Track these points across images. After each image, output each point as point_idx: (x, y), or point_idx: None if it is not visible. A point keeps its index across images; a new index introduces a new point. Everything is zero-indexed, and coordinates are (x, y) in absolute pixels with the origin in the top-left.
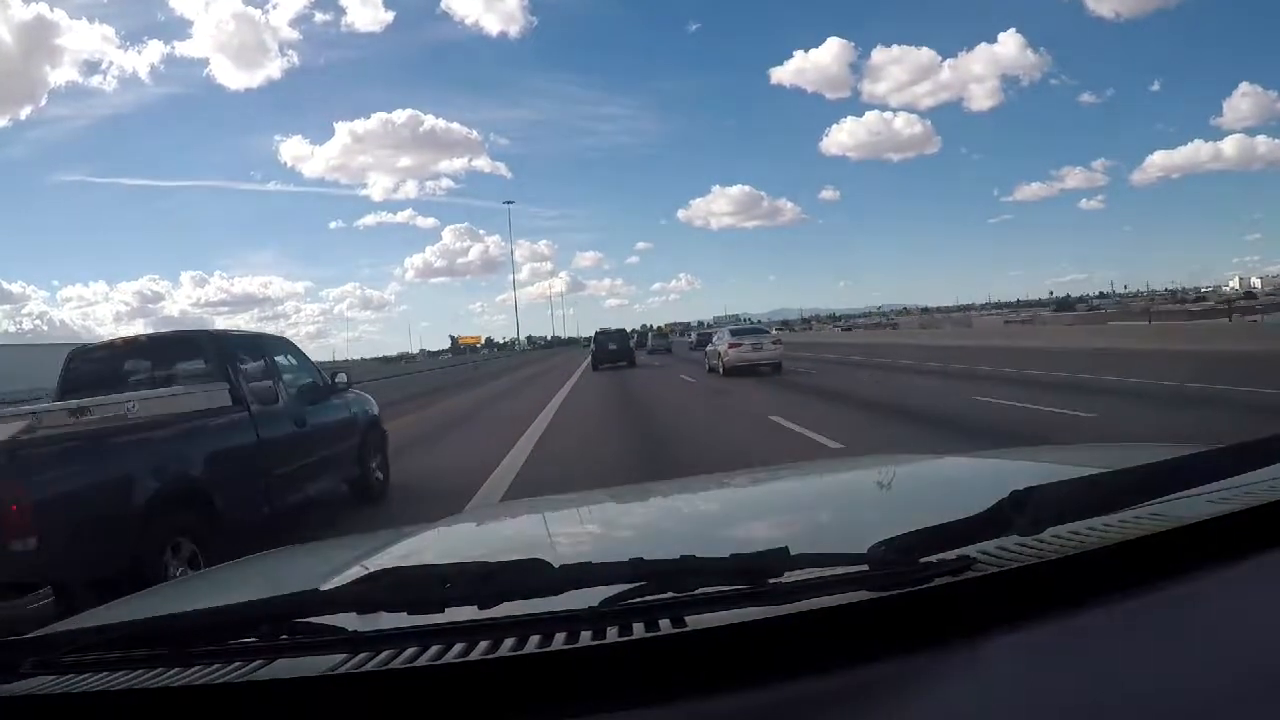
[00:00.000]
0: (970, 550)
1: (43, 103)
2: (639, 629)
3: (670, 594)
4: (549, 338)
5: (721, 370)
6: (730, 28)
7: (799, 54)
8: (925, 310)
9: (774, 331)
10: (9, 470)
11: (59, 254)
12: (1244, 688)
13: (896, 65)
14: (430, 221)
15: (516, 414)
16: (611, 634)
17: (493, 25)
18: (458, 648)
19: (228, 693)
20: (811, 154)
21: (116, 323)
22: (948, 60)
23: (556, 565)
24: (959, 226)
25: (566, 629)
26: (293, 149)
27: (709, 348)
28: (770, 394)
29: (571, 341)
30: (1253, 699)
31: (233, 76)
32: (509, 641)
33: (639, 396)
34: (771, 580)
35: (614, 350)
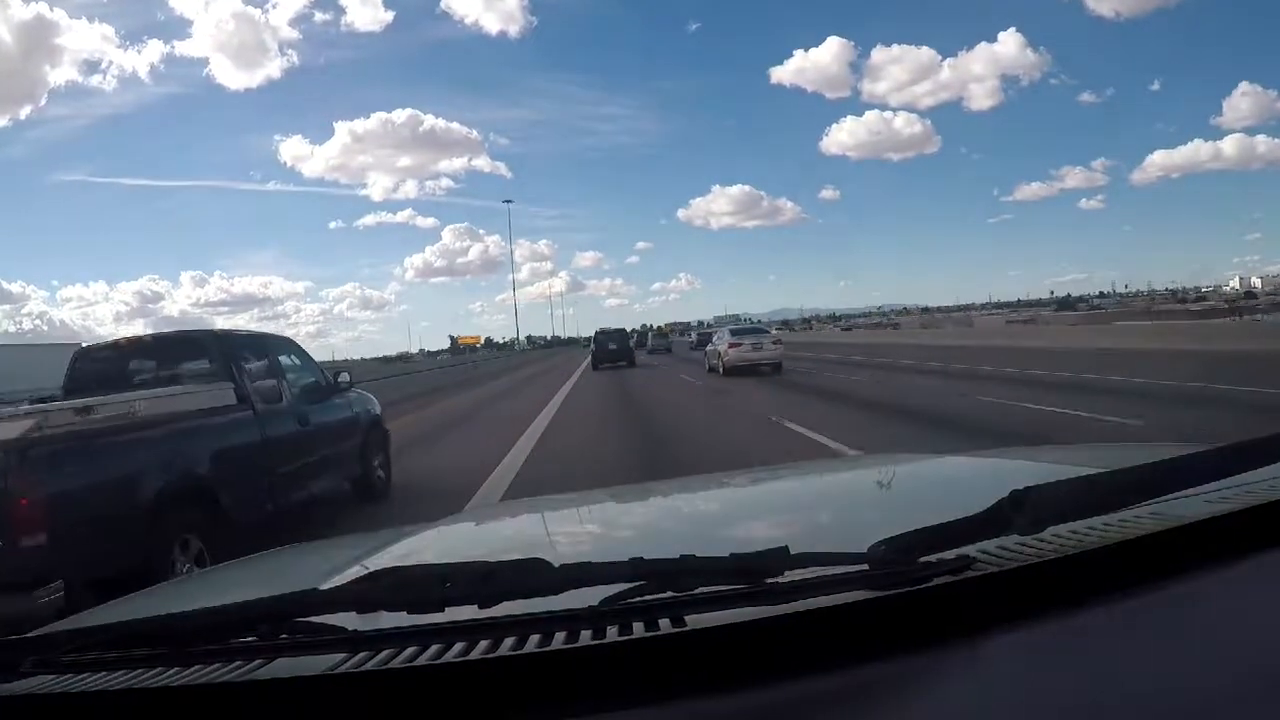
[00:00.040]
0: (970, 550)
1: (43, 102)
2: (639, 628)
3: (670, 593)
4: (549, 338)
5: (721, 370)
6: (730, 28)
7: (799, 53)
8: (925, 310)
9: (774, 331)
10: (21, 467)
11: (59, 254)
12: (1244, 687)
13: (896, 65)
14: (430, 221)
15: (516, 414)
16: (611, 633)
17: (492, 25)
18: (458, 647)
19: (227, 692)
20: (811, 154)
21: (116, 323)
22: (948, 60)
23: (556, 565)
24: (959, 226)
25: (566, 628)
26: (293, 149)
27: (709, 348)
28: (771, 394)
29: (571, 341)
30: (1253, 699)
31: (233, 76)
32: (509, 641)
33: (639, 397)
34: (771, 580)
35: (614, 350)
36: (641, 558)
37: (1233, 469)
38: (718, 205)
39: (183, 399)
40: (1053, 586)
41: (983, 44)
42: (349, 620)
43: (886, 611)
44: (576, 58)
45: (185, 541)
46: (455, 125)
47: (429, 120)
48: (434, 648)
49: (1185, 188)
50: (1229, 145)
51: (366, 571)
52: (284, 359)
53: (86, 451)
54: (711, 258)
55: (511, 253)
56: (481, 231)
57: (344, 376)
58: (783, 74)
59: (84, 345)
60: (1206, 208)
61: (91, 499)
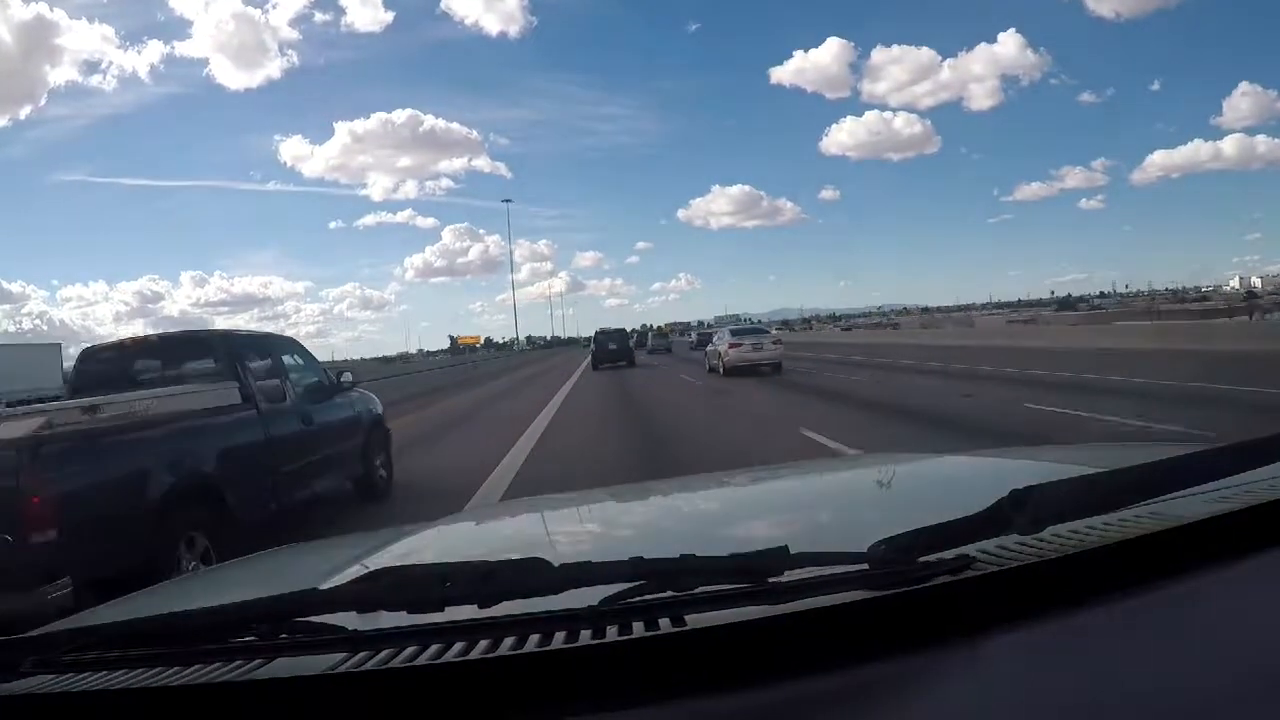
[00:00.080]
0: (970, 549)
1: (43, 102)
2: (639, 628)
3: (670, 593)
4: (549, 338)
5: (722, 370)
6: (730, 28)
7: (799, 54)
8: (925, 310)
9: (774, 331)
10: (31, 465)
11: (59, 254)
12: (1244, 687)
13: (896, 65)
14: (430, 221)
15: (515, 415)
16: (611, 633)
17: (492, 25)
18: (458, 647)
19: (227, 692)
20: (811, 154)
21: (116, 323)
22: (947, 60)
23: (556, 564)
24: (959, 226)
25: (566, 628)
26: (293, 149)
27: (709, 348)
28: (771, 394)
29: (571, 341)
30: (1253, 699)
31: (233, 76)
32: (509, 640)
33: (638, 397)
34: (771, 579)
35: (614, 350)
36: (641, 557)
37: (1232, 469)
38: (717, 205)
39: (188, 398)
40: (1053, 586)
41: (983, 44)
42: (349, 620)
43: (886, 611)
44: (576, 58)
45: (191, 539)
46: (455, 125)
47: (429, 120)
48: (434, 647)
49: (1185, 188)
50: (1229, 145)
51: (366, 571)
52: (287, 359)
53: (95, 450)
54: (711, 258)
55: (511, 253)
56: (481, 231)
57: (346, 376)
58: (783, 74)
59: (89, 345)
60: (1206, 208)
61: (100, 497)
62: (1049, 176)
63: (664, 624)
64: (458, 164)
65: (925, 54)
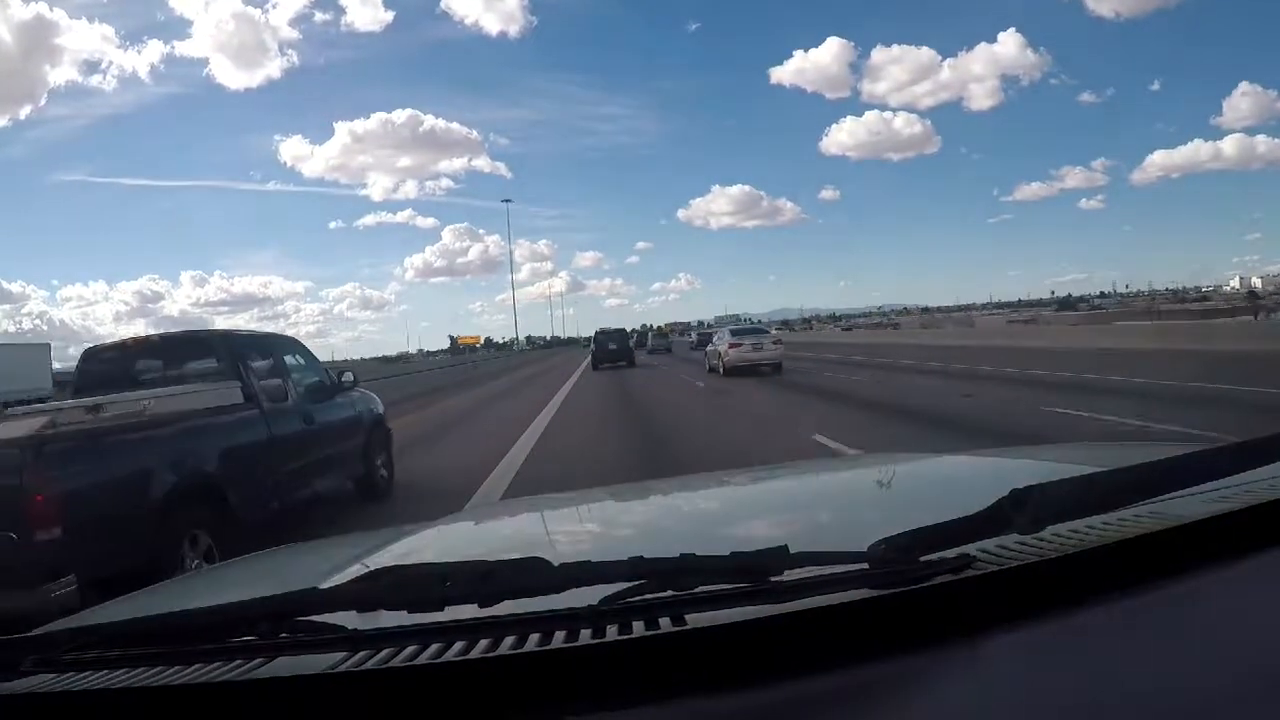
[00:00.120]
0: (970, 549)
1: (43, 102)
2: (639, 627)
3: (670, 592)
4: (548, 338)
5: (722, 370)
6: (730, 28)
7: (799, 54)
8: (926, 310)
9: (774, 331)
10: (36, 464)
11: (59, 254)
12: (1244, 687)
13: (896, 65)
14: (430, 221)
15: (516, 416)
16: (611, 632)
17: (492, 25)
18: (458, 646)
19: (228, 691)
20: (811, 154)
21: (116, 323)
22: (947, 60)
23: (556, 564)
24: (959, 226)
25: (566, 627)
26: (293, 149)
27: (709, 348)
28: (772, 394)
29: (571, 341)
30: (1253, 699)
31: (233, 76)
32: (509, 640)
33: (638, 397)
34: (771, 579)
35: (614, 350)
36: (641, 556)
37: (1232, 468)
38: (717, 205)
39: (191, 398)
40: (1053, 586)
41: (982, 44)
42: (349, 619)
43: (886, 611)
44: (576, 58)
45: (195, 538)
46: (455, 125)
47: (429, 120)
48: (434, 647)
49: (1185, 188)
50: (1229, 145)
51: (366, 570)
52: (289, 359)
53: (99, 449)
54: (711, 258)
55: (510, 252)
56: (481, 231)
57: (348, 376)
58: (783, 74)
59: (91, 345)
60: (1206, 208)
61: (104, 495)
62: (1049, 176)
63: (664, 623)
64: (458, 164)
65: (925, 54)
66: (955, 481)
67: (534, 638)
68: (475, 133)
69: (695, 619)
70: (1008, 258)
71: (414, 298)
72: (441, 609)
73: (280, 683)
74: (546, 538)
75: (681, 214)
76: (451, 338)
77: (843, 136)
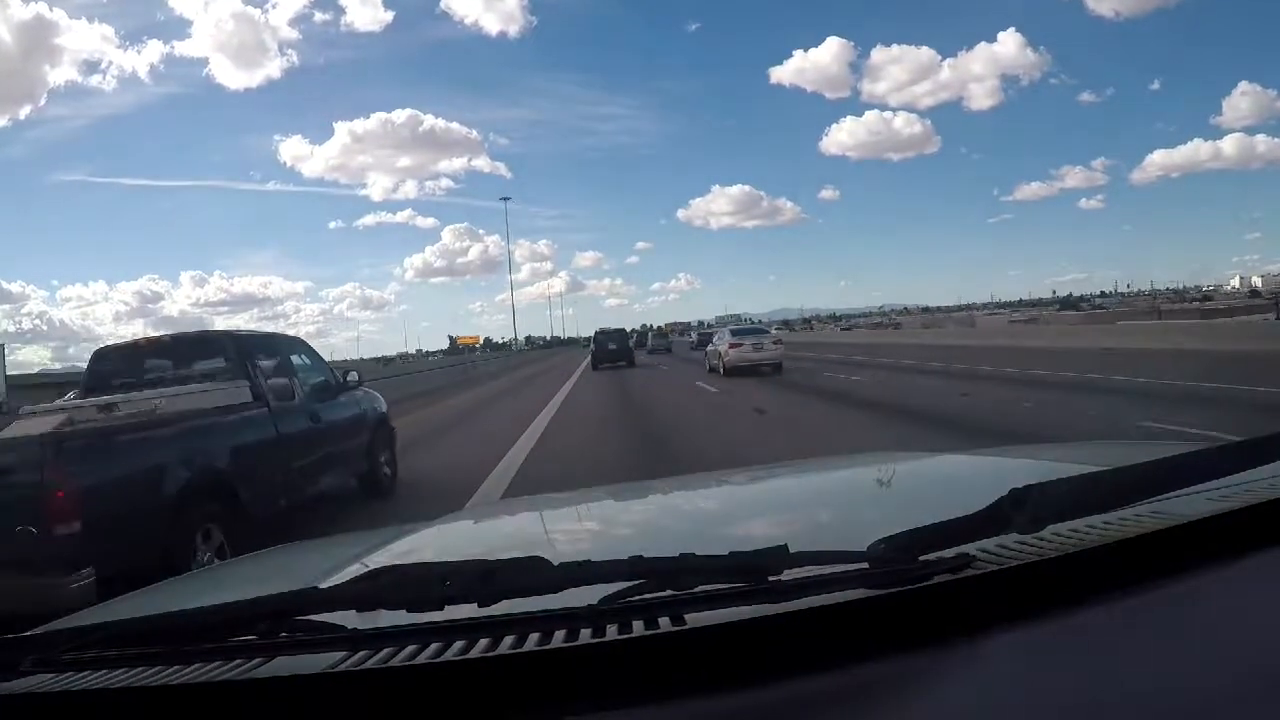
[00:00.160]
0: (970, 548)
1: (42, 102)
2: (638, 627)
3: (670, 592)
4: (548, 338)
5: (722, 370)
6: (730, 28)
7: (799, 53)
8: (926, 310)
9: (774, 331)
10: (56, 459)
11: (59, 254)
12: (1244, 687)
13: (896, 65)
14: (430, 221)
15: (517, 415)
16: (611, 632)
17: (492, 25)
18: (457, 645)
19: (228, 690)
20: (811, 154)
21: (116, 323)
22: (947, 60)
23: (556, 563)
24: (959, 226)
25: (566, 627)
26: (292, 149)
27: (709, 348)
28: (772, 395)
29: (571, 341)
30: (1253, 698)
31: (232, 76)
32: (508, 639)
33: (639, 399)
34: (771, 578)
35: (614, 350)
36: (641, 556)
37: (1233, 467)
38: (717, 205)
39: (201, 397)
40: (1053, 585)
41: (982, 44)
42: (349, 619)
43: (886, 610)
44: (576, 58)
45: (208, 532)
46: (455, 125)
47: (429, 120)
48: (434, 646)
49: (1185, 187)
50: (1229, 145)
51: (366, 570)
52: (295, 358)
53: (114, 446)
54: (711, 258)
55: (509, 251)
56: (481, 232)
57: (352, 375)
58: (782, 74)
59: (102, 345)
60: (1206, 207)
61: (120, 491)
62: (1049, 176)
63: (664, 623)
64: (457, 164)
65: (925, 54)
66: (955, 481)
67: (534, 637)
68: (475, 133)
69: (695, 618)
70: (1008, 258)
71: (414, 298)
72: (441, 608)
73: (280, 682)
74: (546, 537)
75: (681, 214)
76: (451, 338)
77: (843, 136)
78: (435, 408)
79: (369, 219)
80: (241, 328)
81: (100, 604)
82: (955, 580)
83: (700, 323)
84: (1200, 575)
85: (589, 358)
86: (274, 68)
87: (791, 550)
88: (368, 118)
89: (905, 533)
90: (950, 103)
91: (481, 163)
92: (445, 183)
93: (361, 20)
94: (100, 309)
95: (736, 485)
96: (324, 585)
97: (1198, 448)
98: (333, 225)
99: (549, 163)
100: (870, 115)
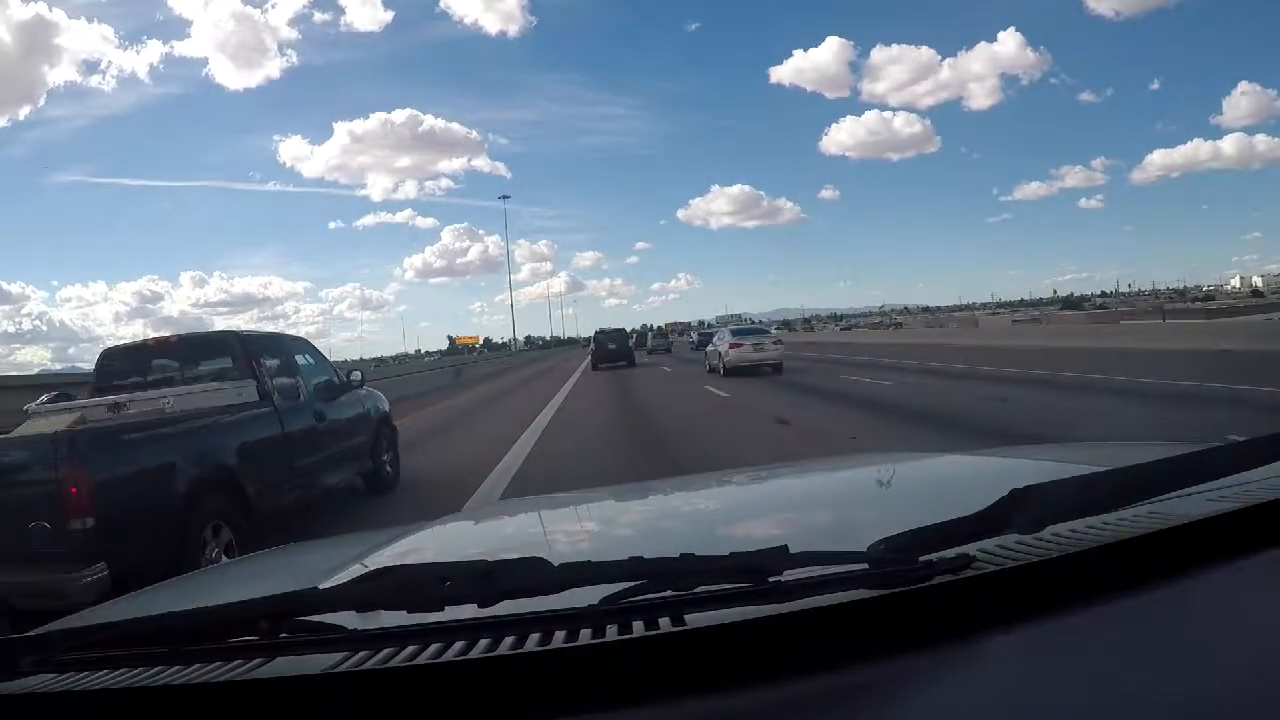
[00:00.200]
0: (970, 549)
1: (42, 103)
2: (639, 627)
3: (670, 592)
4: (548, 338)
5: (722, 370)
6: (730, 28)
7: (798, 53)
8: (926, 310)
9: (774, 332)
10: (71, 456)
11: (59, 254)
12: (1243, 688)
13: (896, 64)
14: (430, 222)
15: (520, 416)
16: (611, 632)
17: (492, 25)
18: (457, 646)
19: (228, 691)
20: (811, 154)
21: (116, 323)
22: (947, 59)
23: (556, 563)
24: (959, 226)
25: (566, 627)
26: (292, 149)
27: (709, 348)
28: (772, 395)
29: (571, 341)
30: (1252, 699)
31: (232, 76)
32: (509, 640)
33: (639, 399)
34: (771, 579)
35: (613, 350)
36: (641, 556)
37: (1232, 468)
38: (717, 205)
39: (209, 396)
40: (1053, 586)
41: (982, 44)
42: (349, 619)
43: (886, 611)
44: (576, 58)
45: (217, 527)
46: (455, 125)
47: (428, 120)
48: (434, 647)
49: (1185, 187)
50: (1229, 145)
51: (366, 570)
52: (300, 358)
53: (126, 444)
54: (711, 258)
55: (509, 252)
56: (481, 232)
57: (355, 375)
58: (782, 74)
59: (111, 345)
60: (1206, 207)
61: (132, 487)
62: (1049, 176)
63: (664, 623)
64: (457, 164)
65: (925, 53)
66: (955, 481)
67: (534, 638)
68: (475, 133)
69: (695, 619)
70: (1008, 258)
71: (413, 298)
72: (441, 609)
73: (280, 683)
74: (546, 538)
75: (681, 214)
76: (450, 338)
77: (842, 136)
78: (424, 412)
79: (369, 219)
80: (243, 328)
81: (101, 604)
82: (955, 581)
83: (700, 323)
84: (1200, 576)
85: (589, 358)
86: (274, 68)
87: (792, 550)
88: (367, 118)
89: (905, 533)
90: (950, 102)
91: (481, 163)
92: (445, 183)
93: (361, 20)
94: (100, 309)
95: (736, 485)
96: (324, 586)
97: (1197, 448)
98: (332, 225)
99: (549, 163)
100: (870, 115)
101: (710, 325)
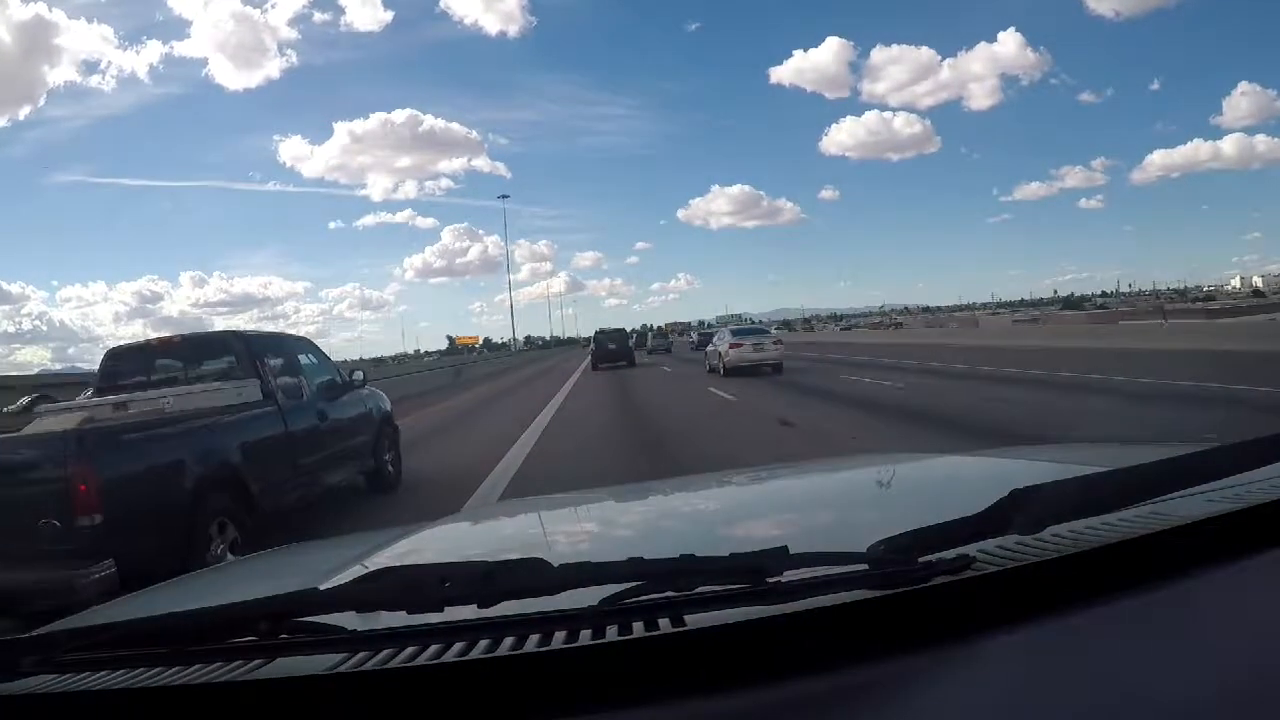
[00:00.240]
0: (970, 549)
1: (42, 103)
2: (638, 628)
3: (669, 593)
4: (548, 338)
5: (722, 370)
6: (730, 28)
7: (798, 53)
8: (926, 310)
9: (774, 332)
10: (79, 454)
11: (59, 254)
12: (1243, 688)
13: (896, 65)
14: (429, 222)
15: (520, 416)
16: (611, 633)
17: (492, 25)
18: (457, 647)
19: (228, 691)
20: (811, 154)
21: (116, 323)
22: (947, 60)
23: (556, 564)
24: (959, 226)
25: (566, 628)
26: (292, 149)
27: (709, 348)
28: (771, 394)
29: (571, 341)
30: (1253, 699)
31: (232, 76)
32: (508, 640)
33: (639, 399)
34: (771, 579)
35: (613, 350)
36: (641, 557)
37: (1232, 469)
38: (717, 205)
39: (214, 395)
40: (1053, 586)
41: (982, 44)
42: (349, 620)
43: (886, 611)
44: (576, 58)
45: (222, 525)
46: (455, 126)
47: (428, 120)
48: (433, 647)
49: (1185, 187)
50: (1229, 145)
51: (366, 571)
52: (303, 358)
53: (132, 442)
54: (711, 258)
55: (508, 250)
56: (481, 232)
57: (358, 375)
58: (782, 74)
59: (115, 345)
60: (1206, 207)
61: (139, 485)
62: (1049, 176)
63: (664, 624)
64: (457, 164)
65: (925, 53)
66: (955, 481)
67: (534, 638)
68: (475, 133)
69: (695, 620)
70: (1008, 258)
71: (413, 298)
72: (441, 609)
73: (280, 683)
74: (546, 538)
75: (681, 214)
76: (450, 338)
77: (842, 136)
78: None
79: (369, 219)
80: (245, 328)
81: (102, 604)
82: (955, 581)
83: (700, 323)
84: (1200, 577)
85: (589, 358)
86: (273, 68)
87: (791, 551)
88: (367, 118)
89: (905, 534)
90: (950, 103)
91: (481, 163)
92: (445, 183)
93: (361, 20)
94: (100, 309)
95: (736, 486)
96: (325, 586)
97: (1198, 448)
98: (332, 225)
99: (548, 163)
100: (870, 115)
101: (710, 325)
